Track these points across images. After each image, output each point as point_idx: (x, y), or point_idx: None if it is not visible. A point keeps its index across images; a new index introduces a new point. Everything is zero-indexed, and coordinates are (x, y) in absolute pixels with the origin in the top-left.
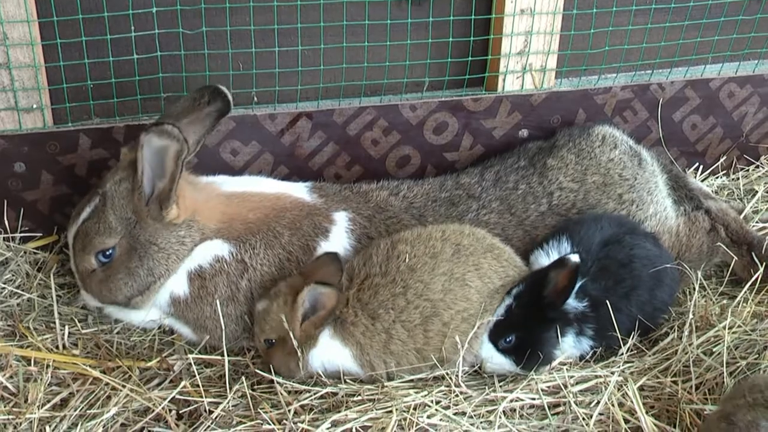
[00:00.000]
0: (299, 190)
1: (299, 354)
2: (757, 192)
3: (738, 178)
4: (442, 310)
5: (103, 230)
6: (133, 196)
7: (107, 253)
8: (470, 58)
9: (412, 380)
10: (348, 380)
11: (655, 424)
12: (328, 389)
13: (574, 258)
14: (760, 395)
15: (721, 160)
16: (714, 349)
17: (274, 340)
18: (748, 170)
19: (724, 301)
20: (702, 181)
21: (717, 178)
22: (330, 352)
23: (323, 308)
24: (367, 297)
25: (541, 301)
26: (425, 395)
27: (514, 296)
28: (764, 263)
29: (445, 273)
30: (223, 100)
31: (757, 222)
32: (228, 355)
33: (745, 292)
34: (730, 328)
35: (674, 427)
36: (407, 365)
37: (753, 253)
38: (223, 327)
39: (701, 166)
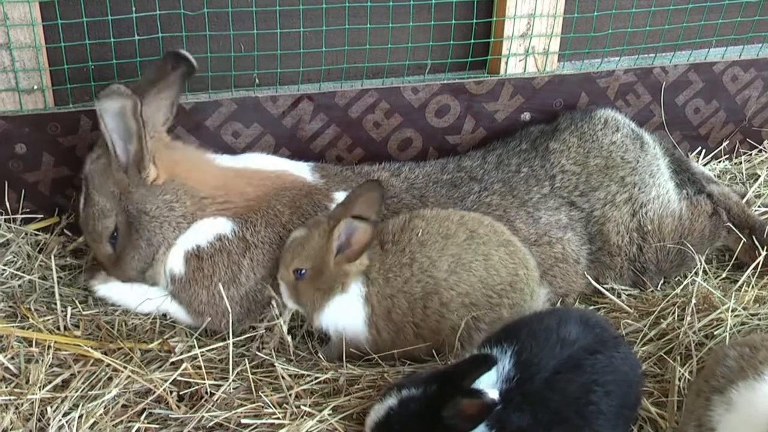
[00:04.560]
0: (301, 169)
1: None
2: (759, 176)
3: (741, 163)
4: (443, 289)
5: (97, 214)
6: (111, 169)
7: (114, 234)
8: (473, 41)
9: (412, 366)
10: (349, 365)
11: (658, 413)
12: (329, 375)
13: (492, 395)
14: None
15: (724, 144)
16: (715, 333)
17: (305, 271)
18: (750, 154)
19: (726, 285)
20: (704, 165)
21: (719, 162)
22: (351, 306)
23: (357, 243)
24: (384, 259)
25: (436, 417)
26: None
27: (400, 400)
28: (766, 247)
29: (453, 255)
30: (186, 63)
31: (759, 206)
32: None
33: (748, 275)
34: (732, 311)
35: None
36: (404, 339)
37: (755, 237)
38: (230, 309)
39: (704, 150)
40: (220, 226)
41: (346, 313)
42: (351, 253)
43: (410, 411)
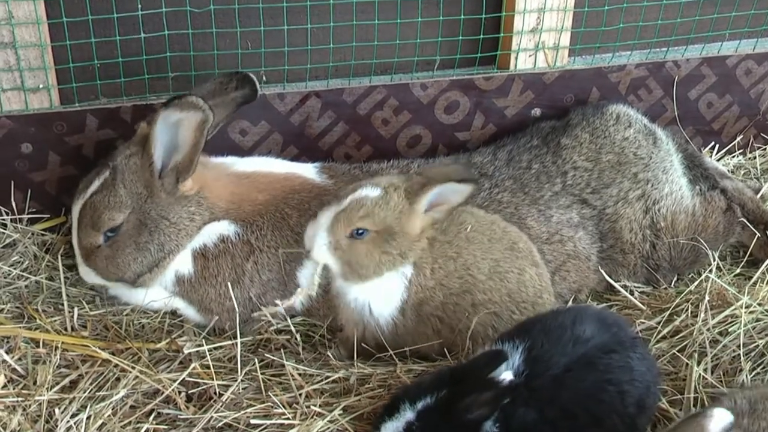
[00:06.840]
0: (308, 171)
1: (399, 252)
2: None
3: (755, 157)
4: (478, 291)
5: (113, 204)
6: (144, 171)
7: (115, 229)
8: (482, 36)
9: (423, 365)
10: (359, 364)
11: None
12: (340, 374)
13: (506, 377)
14: None
15: (738, 138)
16: (730, 329)
17: (367, 232)
18: (765, 149)
19: (740, 282)
20: (718, 160)
21: (733, 157)
22: (394, 288)
23: (449, 204)
24: (432, 248)
25: (450, 415)
26: None
27: (418, 413)
28: None
29: (494, 260)
30: (251, 88)
31: None
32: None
33: (762, 272)
34: (747, 307)
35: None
36: (422, 332)
37: None
38: (236, 309)
39: (717, 145)
40: (224, 228)
41: (385, 294)
42: (438, 215)
43: (432, 420)
